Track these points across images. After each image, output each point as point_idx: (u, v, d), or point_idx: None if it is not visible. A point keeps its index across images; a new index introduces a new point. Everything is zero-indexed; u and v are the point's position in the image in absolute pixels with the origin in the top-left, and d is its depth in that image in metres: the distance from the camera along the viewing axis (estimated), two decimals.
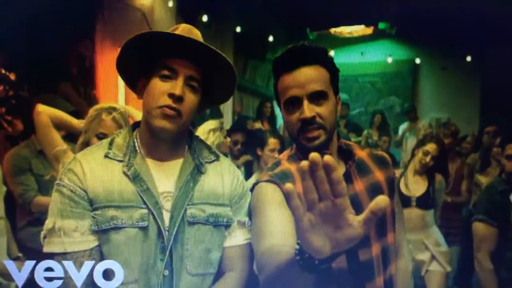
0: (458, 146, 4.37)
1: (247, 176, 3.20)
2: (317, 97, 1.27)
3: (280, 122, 5.40)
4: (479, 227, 2.52)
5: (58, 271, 1.17)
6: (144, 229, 1.25)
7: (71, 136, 2.20)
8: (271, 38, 6.27)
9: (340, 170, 1.31)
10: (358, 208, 0.84)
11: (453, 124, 4.36)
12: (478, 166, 3.91)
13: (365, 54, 7.17)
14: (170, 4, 4.70)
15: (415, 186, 3.02)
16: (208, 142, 1.58)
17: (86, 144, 1.84)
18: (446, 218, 3.42)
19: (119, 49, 1.30)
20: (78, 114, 2.27)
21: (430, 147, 3.02)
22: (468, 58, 6.25)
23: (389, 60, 7.06)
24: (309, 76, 1.27)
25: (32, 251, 2.36)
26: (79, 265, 1.19)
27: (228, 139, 3.09)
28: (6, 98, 3.15)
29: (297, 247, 0.90)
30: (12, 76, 3.22)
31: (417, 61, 7.03)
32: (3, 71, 3.17)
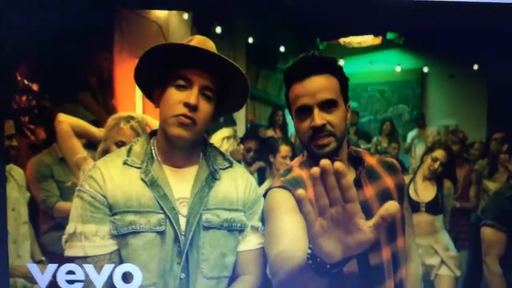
0: (466, 153, 4.32)
1: (260, 182, 3.19)
2: (327, 105, 1.27)
3: (291, 130, 5.38)
4: (488, 232, 2.50)
5: (79, 274, 1.18)
6: (161, 233, 1.25)
7: (91, 144, 2.22)
8: (282, 49, 6.27)
9: (350, 176, 1.30)
10: (368, 213, 0.83)
11: (461, 131, 4.31)
12: (486, 172, 3.86)
13: (374, 63, 7.13)
14: (185, 16, 4.73)
15: (424, 191, 3.00)
16: (222, 150, 1.58)
17: (106, 151, 1.86)
18: (455, 223, 3.38)
19: (136, 60, 1.31)
20: (98, 123, 2.29)
21: (439, 153, 3.00)
22: (475, 67, 6.19)
23: (398, 69, 7.01)
24: (319, 85, 1.27)
25: (54, 254, 2.38)
26: (99, 268, 1.21)
27: (242, 147, 3.09)
28: (29, 108, 3.18)
29: (309, 251, 0.89)
30: (35, 87, 3.25)
31: (425, 69, 6.97)
32: (26, 82, 3.21)
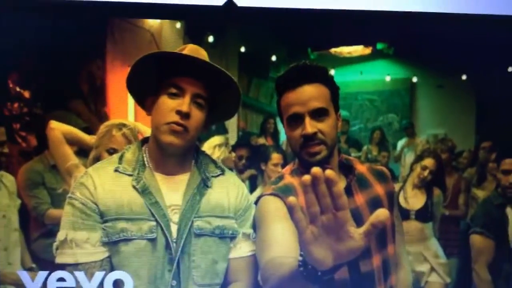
0: (455, 161, 4.36)
1: (252, 189, 3.19)
2: (318, 114, 1.27)
3: (283, 138, 5.39)
4: (477, 240, 2.51)
5: (70, 281, 1.17)
6: (152, 240, 1.25)
7: (83, 151, 2.21)
8: (274, 58, 6.30)
9: (341, 184, 1.30)
10: (358, 221, 0.83)
11: (450, 140, 4.35)
12: (475, 181, 3.89)
13: (364, 73, 7.18)
14: (178, 25, 4.74)
15: (414, 199, 3.01)
16: (214, 157, 1.58)
17: (97, 159, 1.85)
18: (445, 231, 3.40)
19: (128, 68, 1.31)
20: (90, 130, 2.28)
21: (428, 162, 3.02)
22: (464, 77, 6.25)
23: (387, 78, 7.07)
24: (310, 94, 1.27)
25: (45, 262, 2.36)
26: (90, 276, 1.20)
27: (233, 154, 3.09)
28: (21, 115, 3.17)
29: (300, 258, 0.89)
30: (27, 94, 3.24)
31: (414, 79, 7.03)
32: (18, 89, 3.20)
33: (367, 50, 7.07)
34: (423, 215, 2.96)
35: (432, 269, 2.96)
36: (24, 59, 3.10)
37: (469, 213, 3.69)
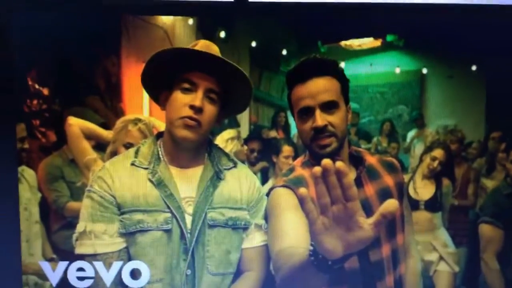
0: (464, 152, 4.31)
1: (263, 181, 3.19)
2: (328, 107, 1.27)
3: (294, 130, 5.37)
4: (486, 229, 2.49)
5: (89, 271, 1.19)
6: (168, 231, 1.26)
7: (100, 146, 2.23)
8: (284, 52, 6.27)
9: (351, 175, 1.30)
10: (368, 211, 0.84)
11: (460, 131, 4.30)
12: (484, 171, 3.84)
13: (374, 65, 7.11)
14: (190, 22, 4.74)
15: (423, 190, 2.99)
16: (227, 150, 1.59)
17: (114, 153, 1.87)
18: (454, 221, 3.37)
19: (143, 64, 1.32)
20: (107, 126, 2.30)
21: (438, 153, 3.00)
22: (473, 67, 6.17)
23: (397, 70, 6.99)
24: (321, 87, 1.27)
25: (65, 252, 2.39)
26: (108, 266, 1.22)
27: (245, 147, 3.10)
28: (40, 112, 3.20)
29: (311, 248, 0.90)
30: (45, 91, 3.27)
31: (424, 71, 6.94)
32: (37, 86, 3.22)
33: (377, 43, 6.99)
34: (432, 205, 2.94)
35: (441, 258, 2.94)
36: (42, 57, 3.12)
37: (478, 203, 3.65)
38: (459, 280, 3.07)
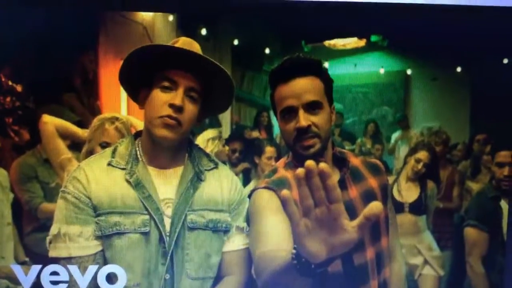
0: (449, 154, 4.37)
1: (245, 183, 3.19)
2: (312, 107, 1.27)
3: (276, 131, 5.38)
4: (471, 232, 2.53)
5: (63, 275, 1.17)
6: (146, 234, 1.25)
7: (75, 145, 2.20)
8: (267, 51, 6.28)
9: (335, 177, 1.31)
10: (352, 213, 0.84)
11: (444, 133, 4.36)
12: (469, 173, 3.91)
13: (358, 65, 7.17)
14: (171, 18, 4.71)
15: (407, 192, 3.02)
16: (207, 151, 1.58)
17: (90, 152, 1.84)
18: (438, 224, 3.41)
19: (121, 62, 1.31)
20: (82, 124, 2.27)
21: (422, 154, 3.03)
22: (458, 69, 6.26)
23: (381, 71, 7.07)
24: (304, 87, 1.27)
25: (38, 255, 2.36)
26: (83, 269, 1.20)
27: (227, 148, 3.09)
28: (13, 109, 3.15)
29: (294, 251, 0.90)
30: (19, 88, 3.22)
31: (408, 72, 7.04)
32: (10, 83, 3.17)
33: (361, 43, 7.05)
34: (417, 208, 2.97)
35: (426, 262, 2.97)
36: (16, 53, 3.08)
37: (463, 205, 3.70)
38: (444, 284, 3.11)
